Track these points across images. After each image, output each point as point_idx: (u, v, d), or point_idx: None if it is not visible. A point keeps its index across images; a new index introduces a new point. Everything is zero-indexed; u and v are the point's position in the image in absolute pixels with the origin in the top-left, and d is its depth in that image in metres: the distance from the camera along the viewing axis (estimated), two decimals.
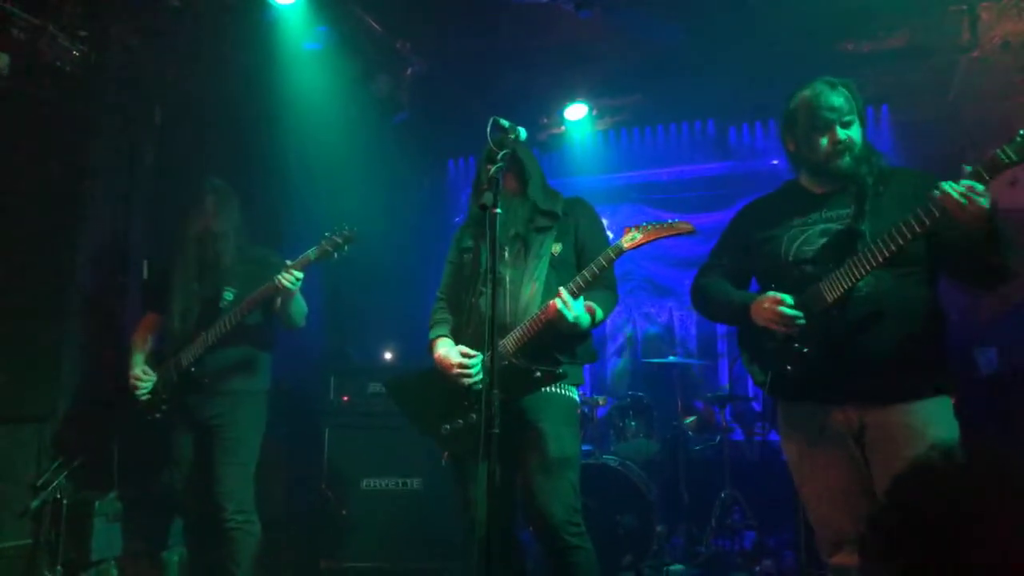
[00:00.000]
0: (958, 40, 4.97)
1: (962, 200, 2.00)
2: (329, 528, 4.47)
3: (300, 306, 3.44)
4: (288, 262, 3.24)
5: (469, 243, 2.91)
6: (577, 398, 2.82)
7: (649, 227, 2.63)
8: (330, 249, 3.21)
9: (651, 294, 6.50)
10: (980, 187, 2.01)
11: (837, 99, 2.31)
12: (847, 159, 2.32)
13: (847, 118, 2.31)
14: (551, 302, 2.55)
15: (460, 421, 2.68)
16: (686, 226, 2.63)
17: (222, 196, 3.53)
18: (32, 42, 3.82)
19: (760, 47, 4.97)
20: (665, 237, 2.64)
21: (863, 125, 2.37)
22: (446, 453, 2.76)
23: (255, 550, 3.34)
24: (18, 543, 3.64)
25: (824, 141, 2.33)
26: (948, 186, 2.03)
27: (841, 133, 2.31)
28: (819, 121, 2.32)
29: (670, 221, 2.64)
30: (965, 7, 4.82)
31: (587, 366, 2.98)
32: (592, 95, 5.88)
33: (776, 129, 5.74)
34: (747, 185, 5.62)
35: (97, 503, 3.76)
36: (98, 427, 3.94)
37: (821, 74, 2.43)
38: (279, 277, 3.19)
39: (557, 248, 2.77)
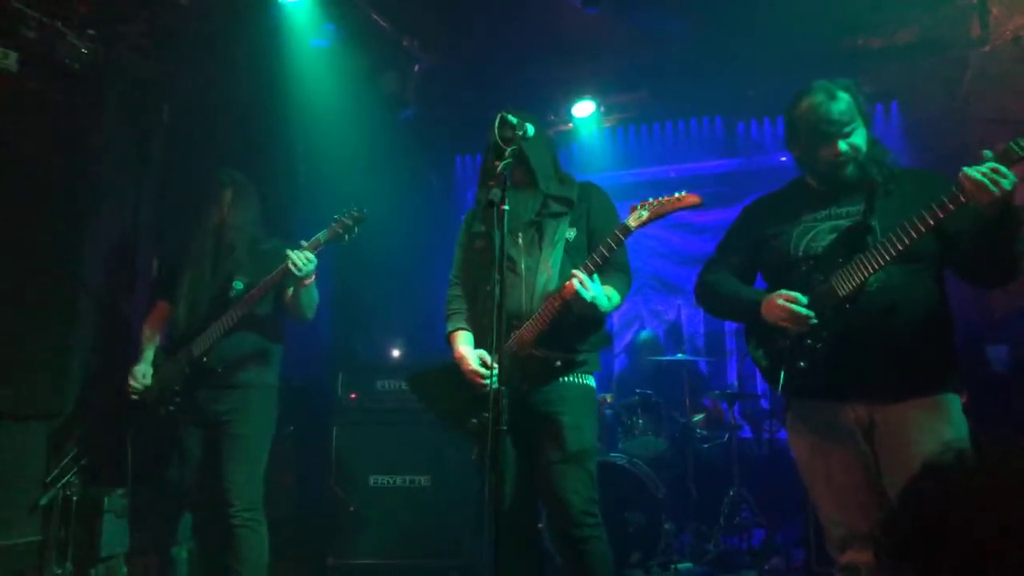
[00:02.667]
0: (969, 35, 4.94)
1: (987, 182, 1.96)
2: (337, 525, 4.48)
3: (312, 297, 3.36)
4: (303, 242, 3.19)
5: (480, 228, 2.87)
6: (594, 385, 2.81)
7: (655, 203, 2.56)
8: (341, 231, 3.18)
9: (659, 292, 6.49)
10: (1005, 168, 1.98)
11: (837, 108, 2.26)
12: (851, 168, 2.30)
13: (848, 128, 2.28)
14: (567, 283, 2.53)
15: (487, 414, 2.67)
16: (693, 198, 2.53)
17: (240, 188, 3.50)
18: (42, 40, 3.83)
19: (768, 43, 4.95)
20: (672, 211, 2.55)
21: (868, 125, 2.33)
22: (476, 449, 2.73)
23: (261, 548, 3.30)
24: (28, 539, 3.66)
25: (827, 153, 2.30)
26: (972, 169, 1.99)
27: (843, 145, 2.28)
28: (819, 135, 2.30)
29: (677, 194, 2.55)
30: (976, 1, 4.79)
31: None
32: (599, 92, 5.87)
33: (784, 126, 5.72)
34: (755, 182, 5.59)
35: (106, 499, 3.77)
36: (108, 423, 3.95)
37: (831, 70, 2.40)
38: (290, 257, 3.14)
39: (571, 234, 2.74)
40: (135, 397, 3.40)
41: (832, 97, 2.28)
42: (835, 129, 2.27)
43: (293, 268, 3.15)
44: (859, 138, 2.30)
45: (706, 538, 4.61)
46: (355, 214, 3.17)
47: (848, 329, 2.22)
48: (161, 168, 4.59)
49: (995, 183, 1.97)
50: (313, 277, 3.26)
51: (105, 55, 4.12)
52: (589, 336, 2.74)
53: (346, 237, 3.19)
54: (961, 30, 4.94)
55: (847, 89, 2.31)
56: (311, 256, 3.17)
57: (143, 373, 3.43)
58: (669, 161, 6.34)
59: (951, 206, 2.05)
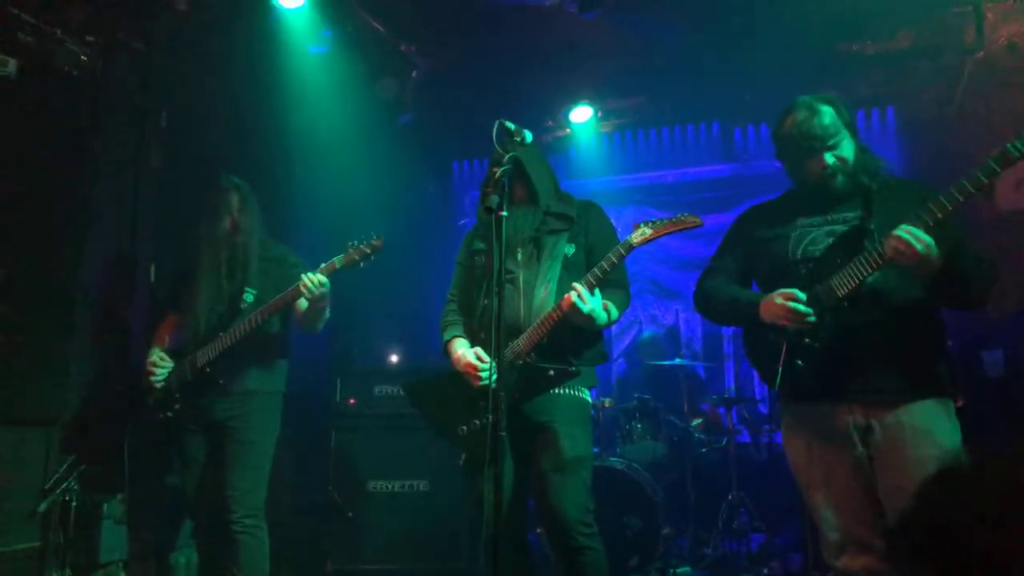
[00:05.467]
0: (963, 41, 4.96)
1: (900, 247, 2.07)
2: (335, 530, 4.48)
3: (324, 314, 3.35)
4: (322, 265, 3.16)
5: (480, 245, 2.90)
6: (590, 399, 2.82)
7: (658, 223, 2.65)
8: (357, 258, 3.14)
9: (657, 296, 6.50)
10: (919, 232, 2.06)
11: (820, 122, 2.30)
12: (840, 179, 2.34)
13: (832, 141, 2.31)
14: (566, 295, 2.56)
15: (476, 422, 2.68)
16: (694, 220, 2.64)
17: (245, 193, 3.44)
18: (40, 47, 3.84)
19: (764, 48, 4.97)
20: (674, 232, 2.65)
21: (855, 135, 2.38)
22: (464, 455, 2.75)
23: (262, 555, 3.29)
24: (26, 545, 3.64)
25: (814, 167, 2.34)
26: (898, 230, 2.09)
27: (829, 158, 2.32)
28: (804, 151, 2.34)
29: (679, 216, 2.65)
30: (971, 8, 4.82)
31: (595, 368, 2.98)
32: (597, 97, 5.89)
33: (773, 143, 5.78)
34: (752, 186, 5.62)
35: (105, 505, 3.77)
36: (106, 429, 3.95)
37: (827, 76, 2.45)
38: (303, 281, 3.11)
39: (570, 250, 2.78)
40: (160, 383, 3.33)
41: (815, 112, 2.32)
42: (819, 144, 2.31)
43: (305, 292, 3.13)
44: (846, 150, 2.33)
45: (704, 542, 4.62)
46: (374, 242, 3.13)
47: (845, 329, 2.24)
48: (159, 174, 4.59)
49: (908, 247, 2.06)
50: (327, 299, 3.22)
51: (104, 62, 4.13)
52: (585, 350, 2.76)
53: (362, 264, 3.15)
54: (956, 36, 4.97)
55: (830, 102, 2.35)
56: (324, 280, 3.14)
57: (160, 357, 3.38)
58: (667, 166, 6.36)
59: (950, 208, 2.08)
